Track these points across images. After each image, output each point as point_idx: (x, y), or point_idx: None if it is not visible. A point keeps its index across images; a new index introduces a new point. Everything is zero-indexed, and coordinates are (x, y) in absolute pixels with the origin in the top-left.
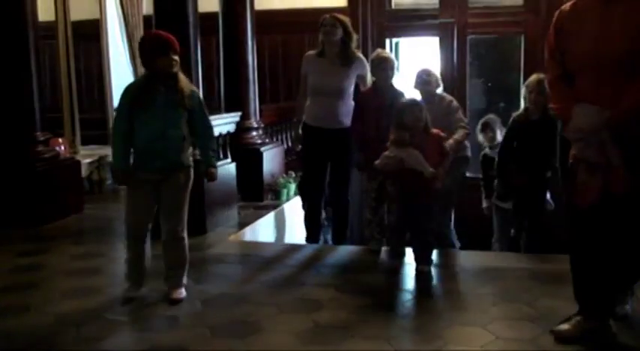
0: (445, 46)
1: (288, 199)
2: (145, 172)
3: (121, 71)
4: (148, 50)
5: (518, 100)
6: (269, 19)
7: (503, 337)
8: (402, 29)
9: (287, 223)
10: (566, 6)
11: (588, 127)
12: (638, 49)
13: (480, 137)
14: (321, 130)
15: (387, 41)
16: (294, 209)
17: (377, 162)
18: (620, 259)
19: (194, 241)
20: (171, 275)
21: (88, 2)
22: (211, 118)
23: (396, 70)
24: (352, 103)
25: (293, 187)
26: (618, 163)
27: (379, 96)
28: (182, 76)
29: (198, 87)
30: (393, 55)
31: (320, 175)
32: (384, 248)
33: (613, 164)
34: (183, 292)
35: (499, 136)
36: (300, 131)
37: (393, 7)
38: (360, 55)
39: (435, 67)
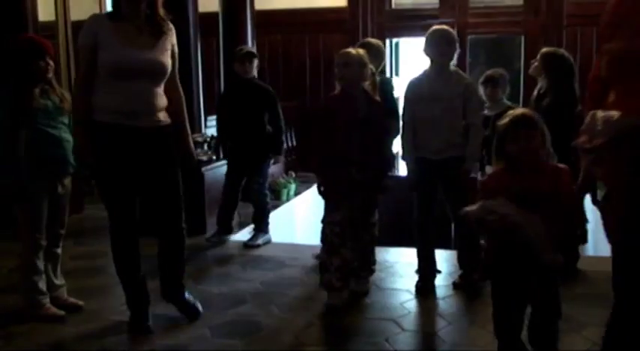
0: None
1: (288, 199)
2: (43, 181)
3: None
4: (23, 54)
5: (518, 100)
6: (269, 19)
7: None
8: (402, 29)
9: (287, 223)
10: None
11: (603, 133)
12: None
13: (481, 90)
14: (126, 129)
15: (387, 41)
16: (294, 209)
17: (472, 209)
18: None
19: (194, 241)
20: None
21: (88, 2)
22: (211, 118)
23: (368, 70)
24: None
25: (293, 187)
26: (628, 186)
27: (350, 104)
28: (55, 82)
29: (198, 87)
30: (363, 51)
31: (134, 204)
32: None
33: (621, 185)
34: None
35: (502, 94)
36: (83, 137)
37: (393, 7)
38: (170, 23)
39: None
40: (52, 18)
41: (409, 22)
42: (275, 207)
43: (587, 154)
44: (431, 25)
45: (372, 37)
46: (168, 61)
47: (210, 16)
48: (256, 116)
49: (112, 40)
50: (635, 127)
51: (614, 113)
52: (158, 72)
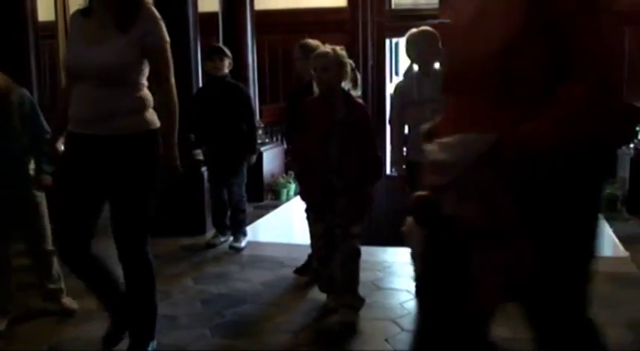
0: None
1: (288, 199)
2: None
3: None
4: None
5: None
6: (269, 19)
7: (503, 337)
8: (402, 29)
9: (287, 223)
10: None
11: (458, 161)
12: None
13: None
14: (84, 138)
15: (387, 41)
16: (294, 209)
17: None
18: None
19: (194, 241)
20: None
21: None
22: None
23: (348, 70)
24: (146, 93)
25: (293, 187)
26: (512, 222)
27: (325, 106)
28: (1, 80)
29: (197, 87)
30: (341, 50)
31: (83, 226)
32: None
33: (506, 226)
34: None
35: None
36: (52, 147)
37: (393, 7)
38: (152, 9)
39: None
40: (52, 18)
41: (409, 22)
42: (275, 207)
43: (446, 192)
44: (431, 25)
45: (372, 37)
46: (125, 58)
47: (210, 16)
48: (230, 116)
49: (72, 38)
50: (497, 143)
51: (468, 135)
52: (107, 71)
